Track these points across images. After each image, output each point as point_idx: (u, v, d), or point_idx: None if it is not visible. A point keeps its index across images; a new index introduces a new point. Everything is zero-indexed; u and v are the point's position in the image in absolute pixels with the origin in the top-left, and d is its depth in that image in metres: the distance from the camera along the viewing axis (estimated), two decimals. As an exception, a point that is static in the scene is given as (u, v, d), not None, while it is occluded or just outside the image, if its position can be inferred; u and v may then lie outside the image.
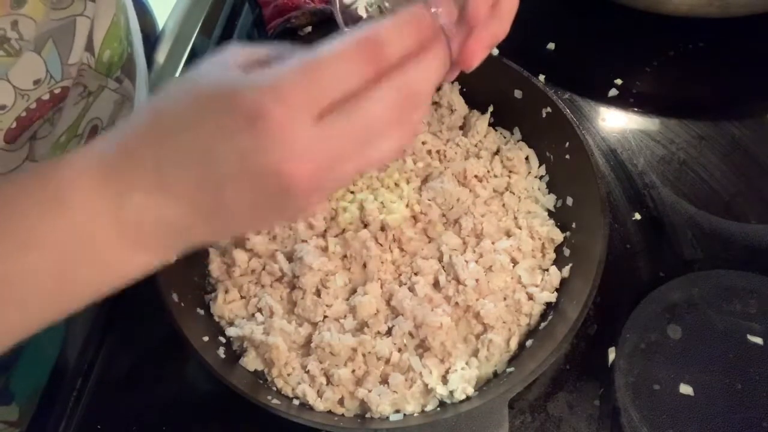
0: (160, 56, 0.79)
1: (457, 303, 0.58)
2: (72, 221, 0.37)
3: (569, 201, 0.63)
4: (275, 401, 0.54)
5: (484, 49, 0.44)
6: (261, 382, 0.57)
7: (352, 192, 0.64)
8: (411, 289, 0.59)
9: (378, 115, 0.36)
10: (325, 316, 0.58)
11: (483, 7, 0.42)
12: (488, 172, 0.66)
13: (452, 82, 0.68)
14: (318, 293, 0.59)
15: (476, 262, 0.60)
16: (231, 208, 0.37)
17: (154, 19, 0.86)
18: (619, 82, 0.76)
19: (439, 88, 0.69)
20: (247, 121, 0.34)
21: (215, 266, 0.61)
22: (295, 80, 0.35)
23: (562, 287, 0.60)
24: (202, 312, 0.59)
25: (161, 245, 0.39)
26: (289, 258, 0.60)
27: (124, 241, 0.38)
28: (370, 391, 0.55)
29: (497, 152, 0.67)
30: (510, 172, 0.66)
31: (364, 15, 0.49)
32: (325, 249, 0.61)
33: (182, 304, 0.56)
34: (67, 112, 0.56)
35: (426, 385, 0.55)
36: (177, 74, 0.78)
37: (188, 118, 0.36)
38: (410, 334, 0.57)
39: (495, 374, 0.57)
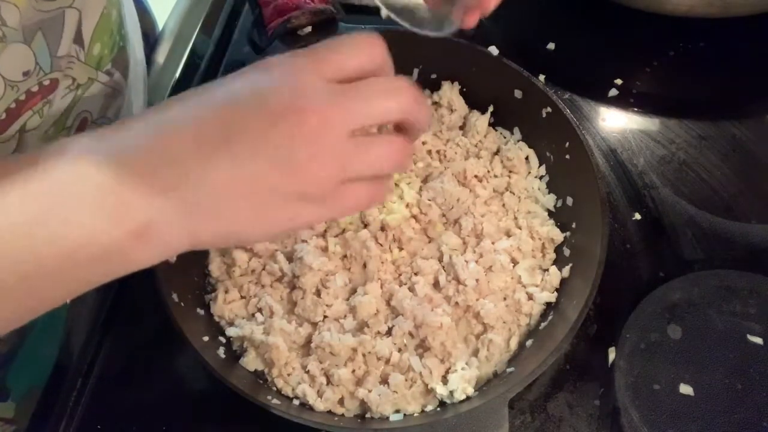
0: (160, 56, 0.79)
1: (457, 303, 0.58)
2: (54, 177, 0.38)
3: (569, 201, 0.63)
4: (275, 401, 0.54)
5: None
6: (261, 382, 0.57)
7: (352, 192, 0.64)
8: (411, 289, 0.59)
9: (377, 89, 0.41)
10: (325, 316, 0.58)
11: None
12: (488, 172, 0.66)
13: (452, 83, 0.68)
14: (318, 293, 0.59)
15: (476, 262, 0.60)
16: (228, 164, 0.38)
17: (153, 19, 0.86)
18: (619, 82, 0.76)
19: (438, 88, 0.69)
20: (263, 71, 0.40)
21: (215, 266, 0.61)
22: (310, 52, 0.41)
23: (562, 287, 0.60)
24: (202, 312, 0.59)
25: (140, 212, 0.39)
26: (289, 258, 0.60)
27: (103, 200, 0.38)
28: (370, 391, 0.55)
29: (497, 152, 0.67)
30: (510, 172, 0.66)
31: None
32: (325, 249, 0.61)
33: (182, 304, 0.56)
34: (56, 104, 0.56)
35: (426, 385, 0.55)
36: (177, 74, 0.78)
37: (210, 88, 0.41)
38: (410, 334, 0.57)
39: (495, 374, 0.57)
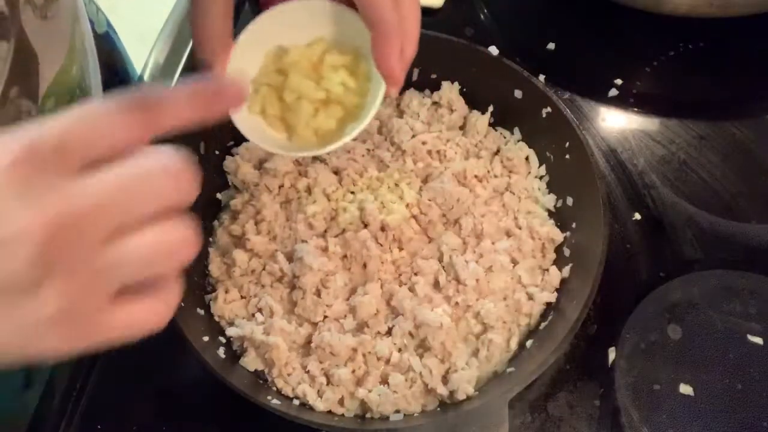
0: (160, 56, 0.79)
1: (457, 303, 0.58)
2: None
3: (569, 201, 0.63)
4: (275, 401, 0.54)
5: (398, 61, 0.45)
6: (261, 382, 0.57)
7: (352, 192, 0.64)
8: (411, 289, 0.59)
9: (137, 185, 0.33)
10: (325, 316, 0.58)
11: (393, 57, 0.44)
12: (488, 172, 0.66)
13: (452, 83, 0.68)
14: (318, 293, 0.59)
15: (476, 262, 0.60)
16: None
17: (126, 58, 0.83)
18: (619, 82, 0.76)
19: (438, 88, 0.69)
20: None
21: (215, 266, 0.61)
22: (53, 130, 0.32)
23: (562, 287, 0.60)
24: (202, 312, 0.59)
25: None
26: (289, 258, 0.60)
27: None
28: (370, 391, 0.55)
29: (497, 152, 0.67)
30: (510, 172, 0.66)
31: None
32: (325, 249, 0.61)
33: (182, 304, 0.56)
34: None
35: (426, 385, 0.55)
36: (177, 74, 0.77)
37: None
38: (410, 334, 0.57)
39: (495, 374, 0.57)
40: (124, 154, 0.33)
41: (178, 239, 0.34)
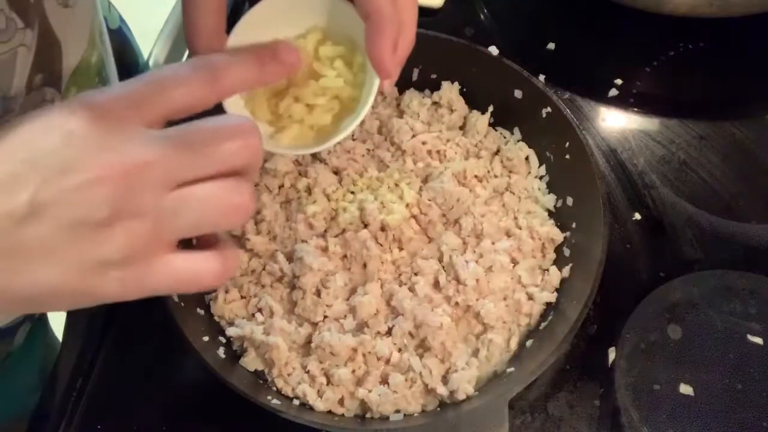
0: (160, 56, 0.79)
1: (457, 303, 0.58)
2: None
3: (569, 201, 0.63)
4: (275, 401, 0.54)
5: (391, 53, 0.45)
6: (261, 382, 0.57)
7: (352, 192, 0.64)
8: (411, 289, 0.59)
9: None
10: (325, 316, 0.58)
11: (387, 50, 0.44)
12: (488, 172, 0.66)
13: (452, 83, 0.68)
14: (318, 293, 0.59)
15: (476, 262, 0.60)
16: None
17: (137, 51, 0.85)
18: (619, 82, 0.76)
19: (438, 88, 0.69)
20: (69, 117, 0.35)
21: (215, 266, 0.61)
22: (125, 90, 0.36)
23: (562, 287, 0.60)
24: (202, 312, 0.59)
25: None
26: (289, 258, 0.60)
27: None
28: (370, 391, 0.55)
29: (497, 152, 0.67)
30: (510, 172, 0.66)
31: None
32: (325, 249, 0.61)
33: (182, 304, 0.56)
34: None
35: (426, 385, 0.55)
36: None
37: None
38: (410, 334, 0.57)
39: (495, 374, 0.57)
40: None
41: (235, 198, 0.37)
